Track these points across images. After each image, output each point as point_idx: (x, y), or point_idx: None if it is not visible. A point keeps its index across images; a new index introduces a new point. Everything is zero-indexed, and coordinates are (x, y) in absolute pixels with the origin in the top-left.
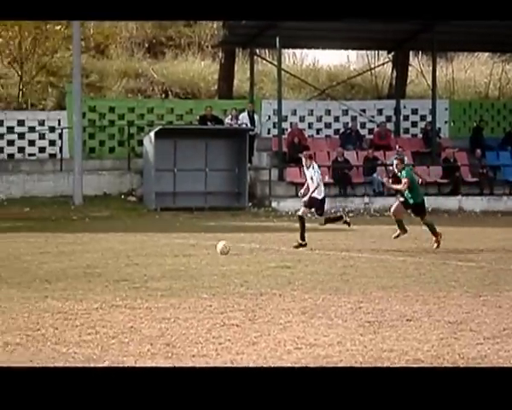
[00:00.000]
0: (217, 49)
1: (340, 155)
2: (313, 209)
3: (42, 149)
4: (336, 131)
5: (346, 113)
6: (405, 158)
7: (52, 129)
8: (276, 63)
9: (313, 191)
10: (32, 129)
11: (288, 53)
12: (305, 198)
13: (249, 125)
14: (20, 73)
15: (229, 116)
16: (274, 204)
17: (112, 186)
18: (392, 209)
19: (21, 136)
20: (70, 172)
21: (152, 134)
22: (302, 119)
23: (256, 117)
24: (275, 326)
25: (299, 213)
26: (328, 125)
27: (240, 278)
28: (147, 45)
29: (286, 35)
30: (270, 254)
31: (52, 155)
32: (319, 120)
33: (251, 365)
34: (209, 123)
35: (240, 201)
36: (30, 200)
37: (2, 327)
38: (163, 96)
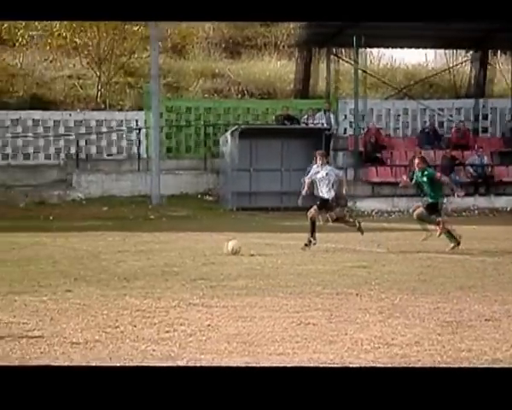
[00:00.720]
0: (293, 48)
1: (418, 154)
2: (323, 209)
3: (120, 149)
4: (414, 131)
5: (423, 112)
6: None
7: (130, 129)
8: (353, 62)
9: (325, 192)
10: (110, 129)
11: (365, 52)
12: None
13: (325, 124)
14: (98, 73)
15: (306, 116)
16: (350, 204)
17: (189, 186)
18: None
19: (100, 136)
20: (148, 172)
21: (228, 134)
22: (379, 118)
23: (332, 116)
24: (352, 325)
25: (309, 214)
26: (405, 125)
27: (316, 277)
28: (224, 45)
29: (363, 34)
30: (347, 254)
31: (130, 155)
32: (396, 119)
33: (328, 363)
34: (285, 123)
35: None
36: (108, 199)
37: (81, 324)
38: (239, 96)
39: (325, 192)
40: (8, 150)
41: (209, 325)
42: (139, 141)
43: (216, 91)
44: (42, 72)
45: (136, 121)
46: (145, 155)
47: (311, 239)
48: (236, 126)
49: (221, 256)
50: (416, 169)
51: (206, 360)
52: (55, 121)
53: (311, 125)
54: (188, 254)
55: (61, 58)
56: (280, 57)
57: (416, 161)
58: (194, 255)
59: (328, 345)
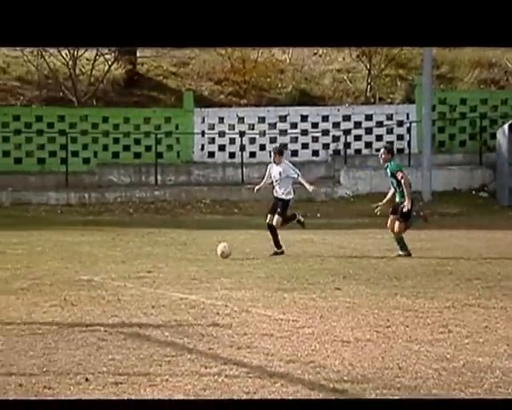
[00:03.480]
0: None
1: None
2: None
3: (389, 144)
4: None
5: None
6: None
7: (400, 123)
8: None
9: (282, 193)
10: (379, 124)
11: None
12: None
13: None
14: (368, 66)
15: None
16: None
17: (462, 181)
18: (388, 225)
19: (368, 131)
20: (418, 168)
21: (506, 127)
22: None
23: None
24: None
25: (269, 221)
26: None
27: None
28: None
29: None
30: None
31: (400, 150)
32: None
33: None
34: None
35: None
36: (377, 196)
37: (351, 323)
38: None
39: (283, 193)
40: None
41: (486, 327)
42: (409, 135)
43: (493, 82)
44: (311, 66)
45: (407, 115)
46: (416, 150)
47: None
48: None
49: (498, 255)
50: (381, 162)
51: (484, 363)
52: (323, 117)
53: None
54: (461, 253)
55: (331, 52)
56: None
57: (381, 151)
58: (468, 254)
59: None
